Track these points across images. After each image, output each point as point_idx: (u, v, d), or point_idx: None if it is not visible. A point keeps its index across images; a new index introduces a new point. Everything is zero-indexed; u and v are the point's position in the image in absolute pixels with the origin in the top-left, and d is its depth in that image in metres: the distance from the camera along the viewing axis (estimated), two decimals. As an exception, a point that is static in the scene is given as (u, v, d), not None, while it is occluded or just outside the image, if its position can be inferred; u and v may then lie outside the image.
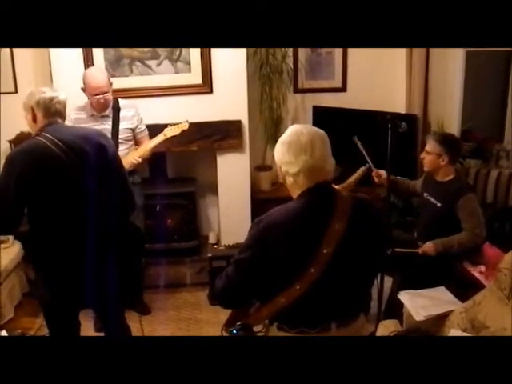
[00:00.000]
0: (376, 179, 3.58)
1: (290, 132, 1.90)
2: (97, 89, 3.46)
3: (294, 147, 1.84)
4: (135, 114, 3.70)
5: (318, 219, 1.83)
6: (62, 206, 2.45)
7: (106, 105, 3.56)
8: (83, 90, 3.55)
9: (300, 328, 1.89)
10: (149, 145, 3.69)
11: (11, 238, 4.03)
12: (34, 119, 2.51)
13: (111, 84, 3.60)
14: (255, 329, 2.01)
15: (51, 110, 2.48)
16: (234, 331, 1.99)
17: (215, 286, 1.97)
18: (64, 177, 2.43)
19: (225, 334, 2.06)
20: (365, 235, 1.90)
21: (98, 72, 3.57)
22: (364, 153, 3.55)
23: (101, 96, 3.47)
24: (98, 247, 2.49)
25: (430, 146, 3.38)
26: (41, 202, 2.44)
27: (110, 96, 3.55)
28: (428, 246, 3.28)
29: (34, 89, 2.55)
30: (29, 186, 2.38)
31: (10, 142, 4.49)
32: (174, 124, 3.71)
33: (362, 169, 3.51)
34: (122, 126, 3.62)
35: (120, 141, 3.58)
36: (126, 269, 2.67)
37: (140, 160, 3.61)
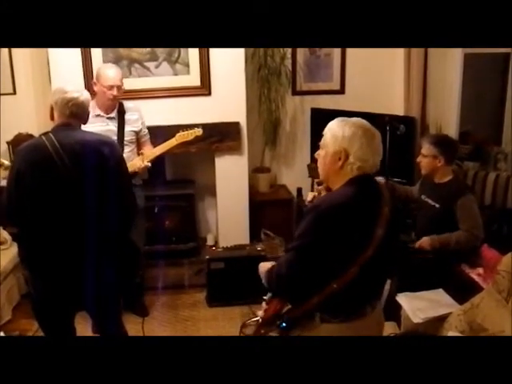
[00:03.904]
0: None
1: (366, 127, 1.94)
2: (111, 79, 3.47)
3: (371, 146, 1.91)
4: (139, 117, 3.70)
5: (372, 203, 1.92)
6: (49, 208, 2.44)
7: (114, 104, 3.56)
8: (94, 84, 3.55)
9: (343, 315, 1.92)
10: (159, 149, 3.67)
11: (9, 238, 4.02)
12: (52, 117, 2.56)
13: (123, 85, 3.62)
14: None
15: (66, 112, 2.50)
16: (284, 324, 1.98)
17: (279, 275, 1.94)
18: (55, 180, 2.42)
19: (247, 331, 2.06)
20: (399, 218, 2.07)
21: (115, 67, 3.61)
22: None
23: (112, 90, 3.47)
24: (88, 252, 2.45)
25: (425, 148, 3.39)
26: (31, 201, 2.44)
27: (118, 96, 3.55)
28: (424, 241, 3.30)
29: (59, 86, 2.58)
30: (23, 182, 2.41)
31: (8, 143, 4.50)
32: (187, 129, 3.66)
33: None
34: (127, 128, 3.62)
35: (124, 143, 3.57)
36: (123, 276, 2.65)
37: (149, 165, 3.59)
